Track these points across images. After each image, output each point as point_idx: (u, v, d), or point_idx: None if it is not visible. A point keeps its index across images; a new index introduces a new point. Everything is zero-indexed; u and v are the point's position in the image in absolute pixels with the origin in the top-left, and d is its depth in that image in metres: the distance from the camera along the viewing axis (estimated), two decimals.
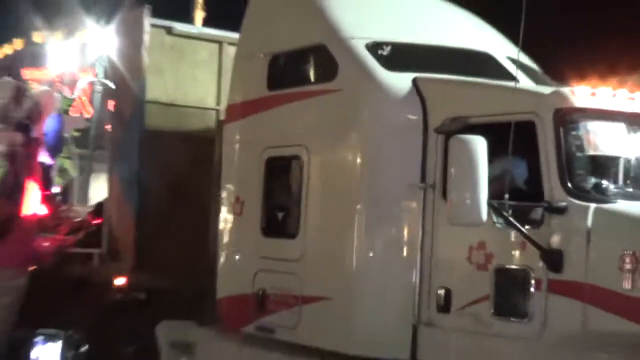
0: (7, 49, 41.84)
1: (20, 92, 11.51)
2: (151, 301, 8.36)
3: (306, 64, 7.00)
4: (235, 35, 9.45)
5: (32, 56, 39.50)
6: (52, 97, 11.09)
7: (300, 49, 7.01)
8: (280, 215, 7.11)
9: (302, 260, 6.71)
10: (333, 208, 6.53)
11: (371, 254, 6.38)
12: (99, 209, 9.81)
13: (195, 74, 9.25)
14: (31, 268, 9.75)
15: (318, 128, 6.70)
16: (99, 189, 23.39)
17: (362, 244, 6.38)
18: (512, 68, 7.04)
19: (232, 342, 7.36)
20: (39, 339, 3.42)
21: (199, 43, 9.25)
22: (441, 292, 6.00)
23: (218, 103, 9.36)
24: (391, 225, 6.32)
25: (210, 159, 7.98)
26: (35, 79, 37.01)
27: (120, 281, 8.47)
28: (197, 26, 9.33)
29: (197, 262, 7.95)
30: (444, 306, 5.99)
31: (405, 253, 6.26)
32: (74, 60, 34.84)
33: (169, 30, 8.96)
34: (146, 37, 8.39)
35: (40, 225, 10.16)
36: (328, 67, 6.72)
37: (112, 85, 11.02)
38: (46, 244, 9.71)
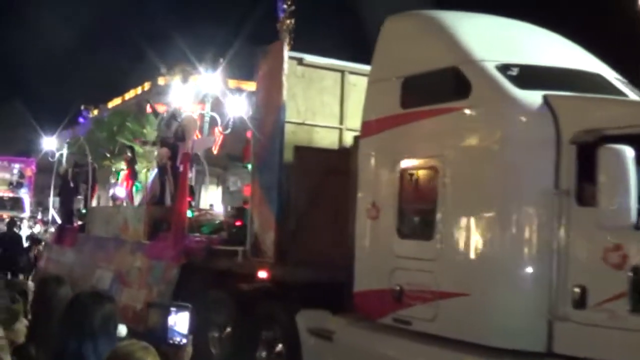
0: (139, 90, 42.40)
1: (171, 117, 11.02)
2: (290, 292, 7.61)
3: (438, 85, 6.18)
4: (354, 65, 8.81)
5: (157, 94, 39.89)
6: (195, 122, 10.53)
7: (433, 71, 6.21)
8: (415, 219, 6.31)
9: (438, 260, 5.88)
10: (469, 213, 5.69)
11: (507, 255, 5.51)
12: (239, 212, 9.16)
13: (322, 98, 8.58)
14: (183, 261, 9.21)
15: (453, 141, 5.87)
16: (208, 197, 23.19)
17: (499, 246, 5.53)
18: (620, 86, 6.22)
19: (367, 330, 6.56)
20: (173, 309, 3.61)
21: (324, 72, 8.57)
22: (577, 289, 5.10)
23: (341, 122, 8.70)
24: (526, 229, 5.43)
25: (344, 168, 7.25)
26: (160, 113, 37.21)
27: (262, 274, 7.76)
28: (323, 57, 8.49)
29: (332, 259, 7.21)
30: (580, 302, 5.09)
31: (540, 253, 5.37)
32: (189, 97, 35.08)
33: (300, 61, 8.31)
34: (286, 66, 7.73)
35: (189, 226, 9.60)
36: (461, 87, 5.90)
37: (217, 117, 10.59)
38: (196, 241, 9.09)
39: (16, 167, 31.69)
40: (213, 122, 20.55)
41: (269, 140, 7.86)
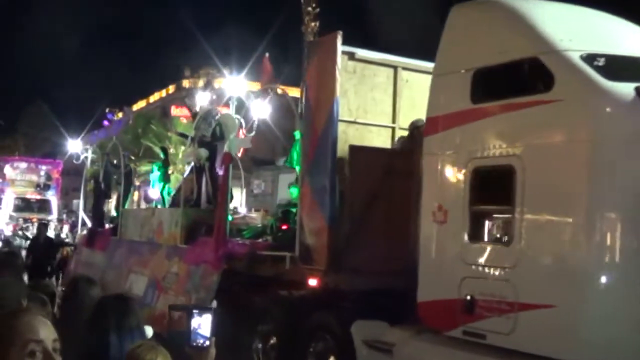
0: (163, 92, 42.45)
1: (209, 116, 10.66)
2: (344, 301, 7.19)
3: (516, 77, 5.73)
4: (408, 61, 8.40)
5: (181, 98, 39.99)
6: (234, 120, 10.15)
7: (508, 62, 5.75)
8: (489, 222, 5.84)
9: (517, 267, 5.41)
10: (556, 216, 5.23)
11: (599, 263, 5.04)
12: (285, 216, 8.74)
13: (374, 95, 8.17)
14: (224, 267, 8.82)
15: (535, 137, 5.41)
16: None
17: (592, 253, 5.04)
18: None
19: (433, 344, 6.11)
20: (196, 311, 3.69)
21: (376, 68, 8.16)
22: None
23: (393, 121, 8.29)
24: (622, 233, 4.97)
25: (404, 169, 6.84)
26: (184, 115, 37.34)
27: (313, 282, 7.34)
28: (376, 52, 8.07)
29: (390, 266, 6.79)
30: None
31: (636, 261, 4.91)
32: (213, 100, 35.09)
33: (352, 56, 7.90)
34: (339, 60, 7.32)
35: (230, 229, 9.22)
36: (542, 79, 5.45)
37: (241, 120, 10.31)
38: (239, 246, 8.70)
39: (43, 169, 31.64)
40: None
41: (320, 139, 7.45)
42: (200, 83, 40.69)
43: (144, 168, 28.29)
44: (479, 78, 5.96)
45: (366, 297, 6.96)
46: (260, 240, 8.86)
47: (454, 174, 6.05)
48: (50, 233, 16.86)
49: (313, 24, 19.63)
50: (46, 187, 30.71)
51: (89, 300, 3.67)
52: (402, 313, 6.65)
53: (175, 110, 38.25)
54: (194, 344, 2.86)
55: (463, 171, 5.93)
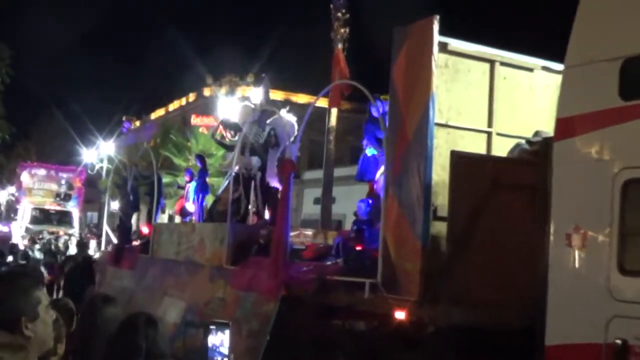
0: (183, 101, 41.86)
1: (263, 119, 9.78)
2: (440, 339, 6.23)
3: None
4: (506, 54, 7.48)
5: (202, 107, 39.49)
6: (291, 125, 9.30)
7: None
8: None
9: None
10: None
11: None
12: (359, 234, 7.80)
13: (468, 94, 7.25)
14: (282, 293, 7.89)
15: None
16: None
17: None
18: None
19: None
20: (213, 328, 4.30)
21: (471, 62, 7.24)
22: None
23: (489, 125, 7.35)
24: None
25: (522, 181, 5.90)
26: (204, 125, 36.73)
27: (400, 314, 6.38)
28: (471, 43, 7.16)
29: (502, 298, 5.83)
30: None
31: None
32: (235, 111, 34.62)
33: (444, 47, 6.98)
34: (436, 50, 6.43)
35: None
36: None
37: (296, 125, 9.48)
38: (303, 269, 7.76)
39: (64, 177, 29.84)
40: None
41: (411, 145, 6.55)
42: (223, 91, 40.13)
43: (164, 180, 27.51)
44: (631, 69, 5.03)
45: (469, 335, 6.00)
46: (329, 262, 7.92)
47: (596, 188, 5.09)
48: (74, 249, 15.90)
49: (343, 30, 18.88)
50: (67, 197, 28.97)
51: (104, 320, 3.71)
52: (520, 356, 5.68)
53: (195, 120, 37.68)
54: None
55: (610, 184, 4.98)
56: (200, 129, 33.71)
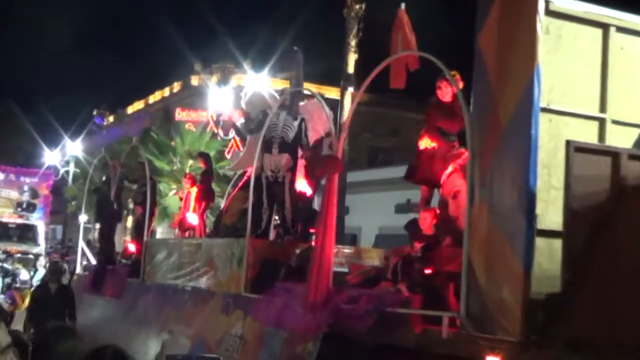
0: (166, 91, 41.40)
1: (294, 102, 9.09)
2: None
3: None
4: (625, 17, 6.79)
5: (189, 98, 39.03)
6: (321, 110, 8.66)
7: None
8: None
9: None
10: None
11: None
12: (427, 252, 7.11)
13: (574, 69, 6.50)
14: (325, 331, 7.25)
15: None
16: None
17: None
18: None
19: None
20: None
21: (579, 27, 6.56)
22: None
23: (602, 109, 6.66)
24: None
25: None
26: (191, 120, 36.22)
27: None
28: (579, 0, 6.55)
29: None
30: None
31: None
32: (228, 102, 34.37)
33: (547, 6, 6.34)
34: (541, 9, 5.80)
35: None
36: None
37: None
38: (351, 298, 7.08)
39: (27, 182, 27.75)
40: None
41: (507, 134, 5.88)
42: (214, 79, 39.72)
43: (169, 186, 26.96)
44: None
45: None
46: (388, 289, 7.22)
47: None
48: (42, 272, 15.03)
49: (358, 6, 18.52)
50: (30, 207, 26.87)
51: (57, 357, 3.86)
52: None
53: (180, 114, 37.17)
54: None
55: None
56: (187, 125, 33.15)
